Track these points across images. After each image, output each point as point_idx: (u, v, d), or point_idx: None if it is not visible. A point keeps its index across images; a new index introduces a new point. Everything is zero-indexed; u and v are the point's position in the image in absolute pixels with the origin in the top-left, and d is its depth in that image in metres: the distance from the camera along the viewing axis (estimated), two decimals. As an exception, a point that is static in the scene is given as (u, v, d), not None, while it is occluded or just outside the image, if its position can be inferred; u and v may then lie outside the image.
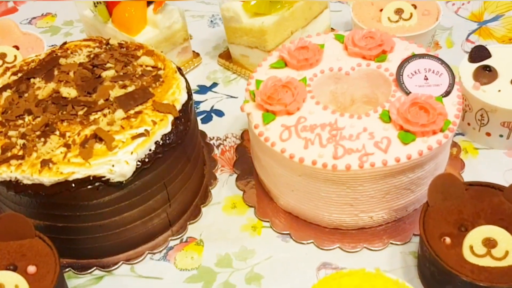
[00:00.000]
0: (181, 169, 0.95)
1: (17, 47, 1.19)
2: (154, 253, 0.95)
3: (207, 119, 1.17)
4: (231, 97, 1.22)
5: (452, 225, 0.83)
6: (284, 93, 0.93)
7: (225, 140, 1.13)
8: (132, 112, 0.90)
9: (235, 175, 1.06)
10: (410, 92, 0.92)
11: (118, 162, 0.84)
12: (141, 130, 0.87)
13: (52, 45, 1.34)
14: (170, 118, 0.90)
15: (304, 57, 0.99)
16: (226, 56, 1.29)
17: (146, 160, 0.87)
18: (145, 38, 1.16)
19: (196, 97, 1.20)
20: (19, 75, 0.99)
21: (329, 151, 0.86)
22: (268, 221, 0.98)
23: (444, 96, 0.92)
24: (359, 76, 1.00)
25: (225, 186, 1.05)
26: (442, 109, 0.88)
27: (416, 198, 0.94)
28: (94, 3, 1.18)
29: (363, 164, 0.84)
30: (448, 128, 0.87)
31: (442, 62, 0.96)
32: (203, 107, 1.19)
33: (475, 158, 1.05)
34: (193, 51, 1.29)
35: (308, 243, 0.94)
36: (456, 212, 0.84)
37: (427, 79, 0.94)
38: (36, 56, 1.03)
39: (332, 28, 1.29)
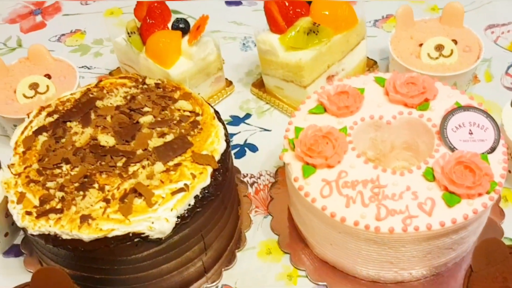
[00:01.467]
0: (218, 218, 0.94)
1: (49, 76, 1.17)
2: (190, 302, 0.95)
3: (240, 153, 1.15)
4: (265, 130, 1.20)
5: (496, 293, 0.81)
6: (324, 144, 0.91)
7: (259, 178, 1.11)
8: (171, 164, 0.89)
9: (269, 217, 1.05)
10: (454, 148, 0.90)
11: (158, 219, 0.83)
12: (180, 184, 0.86)
13: (82, 67, 1.33)
14: (209, 170, 0.89)
15: (344, 104, 0.97)
16: (259, 85, 1.27)
17: (186, 215, 0.86)
18: (179, 71, 1.14)
19: (229, 128, 1.18)
20: (55, 116, 0.98)
21: (371, 211, 0.85)
22: (304, 270, 0.97)
23: (489, 153, 0.90)
24: (400, 125, 0.98)
25: (259, 229, 1.04)
26: (488, 169, 0.86)
27: (457, 255, 0.92)
28: (128, 33, 1.16)
29: (407, 227, 0.83)
30: (494, 190, 0.85)
31: (488, 115, 0.93)
32: (236, 140, 1.18)
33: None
34: (226, 79, 1.26)
35: (345, 297, 0.94)
36: (500, 280, 0.82)
37: (472, 133, 0.92)
38: (72, 95, 1.02)
39: (368, 58, 1.26)
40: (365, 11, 1.18)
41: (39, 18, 1.50)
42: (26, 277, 0.89)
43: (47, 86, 1.15)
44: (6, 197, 0.98)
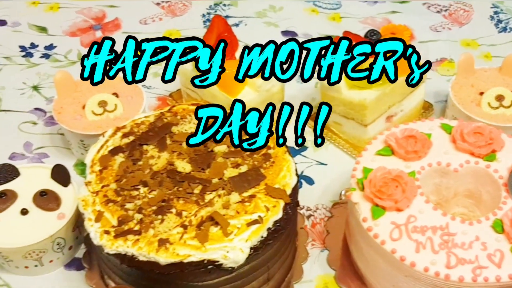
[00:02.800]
0: (283, 251, 0.96)
1: (116, 95, 1.20)
2: (249, 331, 0.97)
3: (297, 186, 1.18)
4: (321, 163, 1.22)
5: None
6: (394, 188, 0.94)
7: (315, 211, 1.14)
8: (246, 195, 0.91)
9: (326, 252, 1.07)
10: (522, 202, 0.92)
11: (233, 249, 0.85)
12: (255, 216, 0.88)
13: (147, 87, 1.36)
14: (282, 203, 0.91)
15: (413, 149, 0.99)
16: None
17: (258, 246, 0.88)
18: (244, 100, 1.16)
19: (285, 159, 1.21)
20: (131, 138, 1.00)
21: (441, 258, 0.87)
22: (362, 309, 1.00)
23: (557, 207, 0.92)
24: (467, 173, 1.00)
25: (316, 263, 1.06)
26: (556, 224, 0.89)
27: (519, 306, 0.94)
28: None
29: (477, 278, 0.85)
30: (563, 244, 0.88)
31: (556, 168, 0.96)
32: (293, 171, 1.20)
33: None
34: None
35: None
36: None
37: (539, 188, 0.94)
38: (146, 118, 1.05)
39: (425, 101, 1.29)
40: (427, 52, 1.21)
41: (99, 33, 1.53)
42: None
43: (115, 105, 1.18)
44: (76, 212, 1.02)
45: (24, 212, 1.00)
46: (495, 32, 1.53)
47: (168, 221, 0.88)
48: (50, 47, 1.49)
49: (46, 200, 1.01)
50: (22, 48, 1.48)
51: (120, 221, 0.89)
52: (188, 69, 1.24)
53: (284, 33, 1.54)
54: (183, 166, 0.95)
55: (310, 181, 1.19)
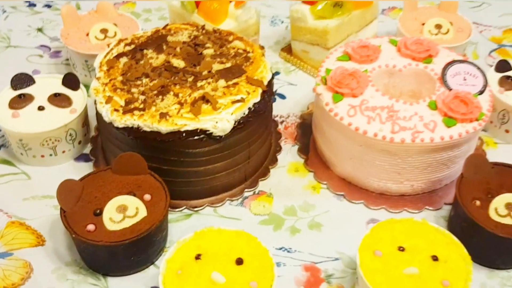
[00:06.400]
0: (261, 133, 1.16)
1: (115, 25, 1.40)
2: (232, 200, 1.16)
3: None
4: (291, 84, 1.44)
5: (481, 192, 1.05)
6: (350, 79, 1.15)
7: (287, 118, 1.35)
8: (230, 82, 1.11)
9: (296, 146, 1.28)
10: (452, 89, 1.15)
11: (221, 120, 1.05)
12: (238, 97, 1.09)
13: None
14: (259, 90, 1.12)
15: (366, 54, 1.22)
16: (287, 50, 1.51)
17: (241, 121, 1.08)
18: (226, 28, 1.37)
19: (261, 82, 1.42)
20: (132, 46, 1.20)
21: (387, 127, 1.08)
22: (326, 184, 1.20)
23: (479, 94, 1.15)
24: (409, 74, 1.22)
25: (288, 154, 1.26)
26: (478, 103, 1.11)
27: (450, 174, 1.16)
28: (184, -4, 1.40)
29: (415, 139, 1.06)
30: (482, 118, 1.10)
31: (478, 68, 1.19)
32: (267, 90, 1.41)
33: (495, 150, 1.27)
34: (259, 44, 1.51)
35: (359, 203, 1.16)
36: (484, 183, 1.06)
37: (465, 79, 1.17)
38: (144, 33, 1.25)
39: (376, 36, 1.52)
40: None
41: (94, -10, 1.73)
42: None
43: (115, 32, 1.37)
44: (85, 110, 1.21)
45: (40, 108, 1.18)
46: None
47: (167, 100, 1.07)
48: (51, -1, 1.68)
49: (59, 99, 1.20)
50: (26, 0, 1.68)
51: (127, 102, 1.08)
52: (177, 6, 1.44)
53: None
54: (178, 63, 1.15)
55: (282, 97, 1.40)
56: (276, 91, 1.41)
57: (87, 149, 1.26)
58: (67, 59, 1.45)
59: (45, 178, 1.18)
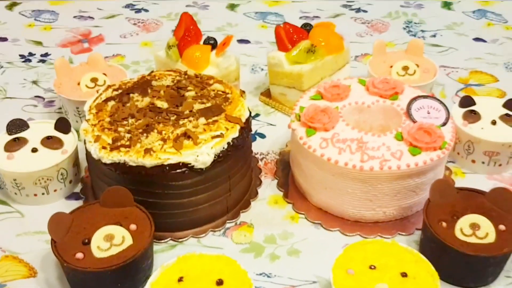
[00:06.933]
0: (241, 167, 1.24)
1: (105, 75, 1.50)
2: (215, 231, 1.22)
3: (252, 139, 1.47)
4: (271, 124, 1.53)
5: (447, 215, 1.12)
6: (322, 115, 1.25)
7: (267, 155, 1.43)
8: (210, 120, 1.20)
9: (276, 180, 1.35)
10: (417, 121, 1.24)
11: (202, 154, 1.13)
12: (218, 133, 1.17)
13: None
14: (238, 127, 1.20)
15: (337, 92, 1.31)
16: (266, 94, 1.61)
17: (220, 155, 1.16)
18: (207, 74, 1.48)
19: (242, 124, 1.51)
20: (120, 91, 1.30)
21: (357, 157, 1.16)
22: (304, 214, 1.27)
23: (442, 126, 1.24)
24: (377, 110, 1.32)
25: (268, 188, 1.33)
26: (441, 133, 1.20)
27: (419, 201, 1.23)
28: (169, 47, 1.51)
29: (383, 167, 1.14)
30: (445, 147, 1.18)
31: (441, 102, 1.29)
32: (248, 131, 1.50)
33: (463, 179, 1.35)
34: (240, 89, 1.61)
35: (335, 230, 1.23)
36: (450, 206, 1.13)
37: (429, 113, 1.26)
38: (131, 79, 1.34)
39: (351, 79, 1.62)
40: (349, 44, 1.57)
41: (86, 45, 1.85)
42: (95, 199, 1.16)
43: (104, 81, 1.47)
44: (75, 151, 1.29)
45: (34, 150, 1.26)
46: (407, 36, 1.91)
47: (151, 137, 1.16)
48: (45, 55, 1.79)
49: (52, 142, 1.28)
50: (22, 56, 1.79)
51: (114, 140, 1.16)
52: (163, 57, 1.55)
53: (240, 41, 1.88)
54: (162, 104, 1.24)
55: (262, 136, 1.49)
56: (256, 131, 1.50)
57: (78, 189, 1.33)
58: (60, 108, 1.54)
59: (38, 215, 1.24)
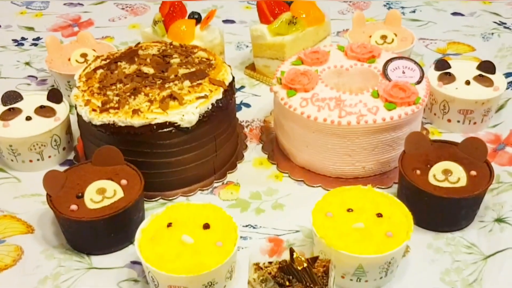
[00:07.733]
0: (226, 129, 1.30)
1: (94, 51, 1.56)
2: (203, 190, 1.28)
3: (238, 108, 1.53)
4: (256, 95, 1.59)
5: (421, 163, 1.18)
6: (302, 77, 1.31)
7: (252, 122, 1.49)
8: (195, 83, 1.26)
9: (261, 145, 1.41)
10: (392, 80, 1.30)
11: (187, 113, 1.19)
12: (202, 94, 1.23)
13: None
14: (221, 89, 1.26)
15: (316, 57, 1.38)
16: (251, 68, 1.68)
17: (205, 115, 1.22)
18: (193, 47, 1.54)
19: (228, 95, 1.57)
20: (108, 60, 1.35)
21: (335, 113, 1.22)
22: (287, 173, 1.33)
23: (417, 84, 1.30)
24: (355, 72, 1.38)
25: (253, 151, 1.39)
26: (415, 89, 1.26)
27: (396, 156, 1.28)
28: (155, 22, 1.57)
29: (360, 121, 1.20)
30: (419, 102, 1.25)
31: (415, 62, 1.35)
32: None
33: (440, 138, 1.41)
34: (225, 63, 1.66)
35: (317, 186, 1.29)
36: (424, 156, 1.19)
37: (404, 73, 1.32)
38: (118, 50, 1.40)
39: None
40: (330, 15, 1.63)
41: (76, 28, 1.91)
42: (87, 160, 1.22)
43: (94, 56, 1.53)
44: (67, 118, 1.34)
45: (28, 118, 1.32)
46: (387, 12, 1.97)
47: (139, 99, 1.21)
48: (37, 39, 1.85)
49: (45, 110, 1.34)
50: (15, 40, 1.84)
51: (103, 103, 1.22)
52: (149, 33, 1.61)
53: (225, 21, 1.95)
54: (148, 70, 1.30)
55: (248, 106, 1.55)
56: (242, 101, 1.56)
57: (71, 156, 1.38)
58: (52, 85, 1.60)
59: (33, 180, 1.29)
